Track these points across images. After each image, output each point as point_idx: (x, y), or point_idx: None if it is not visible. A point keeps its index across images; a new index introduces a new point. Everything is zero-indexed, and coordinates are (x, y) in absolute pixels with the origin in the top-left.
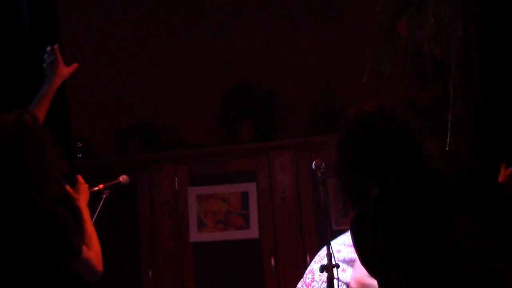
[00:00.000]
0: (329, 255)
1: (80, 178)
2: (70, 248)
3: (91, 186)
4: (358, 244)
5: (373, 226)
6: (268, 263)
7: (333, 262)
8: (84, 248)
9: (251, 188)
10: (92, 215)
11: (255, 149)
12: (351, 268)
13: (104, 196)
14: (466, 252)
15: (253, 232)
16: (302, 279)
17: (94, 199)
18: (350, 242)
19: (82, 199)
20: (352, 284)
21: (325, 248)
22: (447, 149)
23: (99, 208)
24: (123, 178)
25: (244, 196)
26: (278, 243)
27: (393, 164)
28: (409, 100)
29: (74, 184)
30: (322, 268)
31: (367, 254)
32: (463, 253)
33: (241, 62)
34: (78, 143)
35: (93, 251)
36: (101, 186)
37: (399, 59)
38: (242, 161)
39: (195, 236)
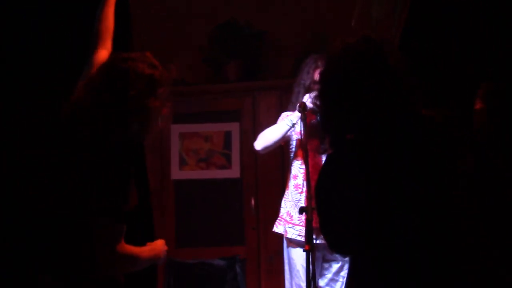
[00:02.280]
0: (309, 198)
1: None
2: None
3: None
4: (319, 184)
5: (343, 170)
6: (248, 203)
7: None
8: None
9: (234, 127)
10: None
11: (241, 89)
12: None
13: None
14: (453, 218)
15: (234, 172)
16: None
17: None
18: None
19: None
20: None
21: None
22: None
23: None
24: None
25: (227, 135)
26: (259, 183)
27: (374, 103)
28: (397, 45)
29: None
30: (301, 210)
31: (325, 199)
32: (448, 218)
33: (230, 0)
34: None
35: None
36: None
37: (390, 4)
38: (227, 101)
39: (177, 173)
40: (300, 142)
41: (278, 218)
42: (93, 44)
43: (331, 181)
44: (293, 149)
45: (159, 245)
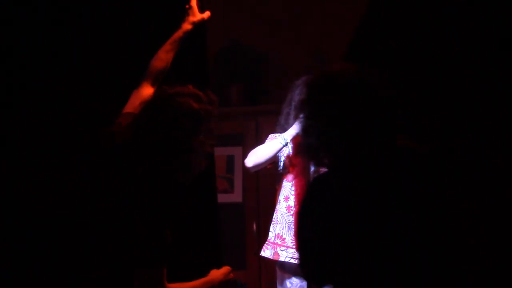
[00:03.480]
0: None
1: None
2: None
3: None
4: (301, 213)
5: (320, 200)
6: (250, 227)
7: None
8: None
9: (237, 152)
10: None
11: (244, 113)
12: None
13: None
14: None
15: (236, 196)
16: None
17: None
18: None
19: None
20: None
21: None
22: None
23: None
24: None
25: (230, 159)
26: (261, 208)
27: (356, 133)
28: None
29: None
30: None
31: (306, 225)
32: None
33: (234, 24)
34: None
35: None
36: None
37: None
38: (230, 124)
39: None
40: (296, 165)
41: (266, 242)
42: (142, 77)
43: (313, 207)
44: (281, 170)
45: (215, 276)
